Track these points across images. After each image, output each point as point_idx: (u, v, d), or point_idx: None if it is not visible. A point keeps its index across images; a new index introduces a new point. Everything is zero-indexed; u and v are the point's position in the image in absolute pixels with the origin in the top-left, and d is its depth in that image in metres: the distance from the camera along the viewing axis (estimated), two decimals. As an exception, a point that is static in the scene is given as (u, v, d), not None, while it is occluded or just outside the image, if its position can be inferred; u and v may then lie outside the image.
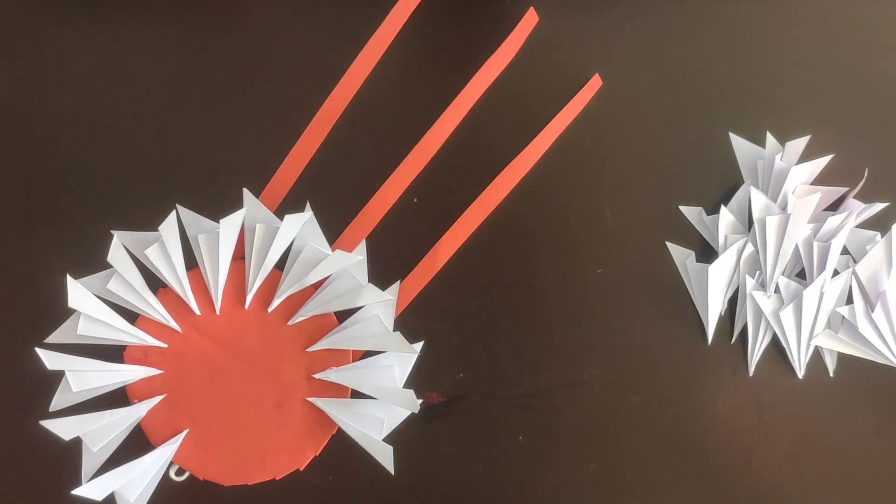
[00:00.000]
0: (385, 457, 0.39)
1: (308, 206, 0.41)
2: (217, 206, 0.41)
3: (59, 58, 0.44)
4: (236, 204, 0.40)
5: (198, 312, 0.40)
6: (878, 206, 0.42)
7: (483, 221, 0.42)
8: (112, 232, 0.39)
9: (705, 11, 0.45)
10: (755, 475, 0.41)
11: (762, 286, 0.41)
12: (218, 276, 0.40)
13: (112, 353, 0.39)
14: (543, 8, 0.44)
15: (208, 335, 0.40)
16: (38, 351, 0.38)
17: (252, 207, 0.40)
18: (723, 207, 0.42)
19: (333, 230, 0.41)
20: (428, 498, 0.40)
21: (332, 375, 0.40)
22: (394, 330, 0.40)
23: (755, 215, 0.41)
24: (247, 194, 0.40)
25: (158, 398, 0.39)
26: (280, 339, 0.40)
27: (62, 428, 0.38)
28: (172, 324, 0.40)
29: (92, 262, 0.40)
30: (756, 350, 0.42)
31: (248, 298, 0.40)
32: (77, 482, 0.38)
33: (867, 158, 0.43)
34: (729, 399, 0.42)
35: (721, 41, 0.44)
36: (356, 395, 0.40)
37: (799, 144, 0.43)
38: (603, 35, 0.44)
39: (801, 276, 0.42)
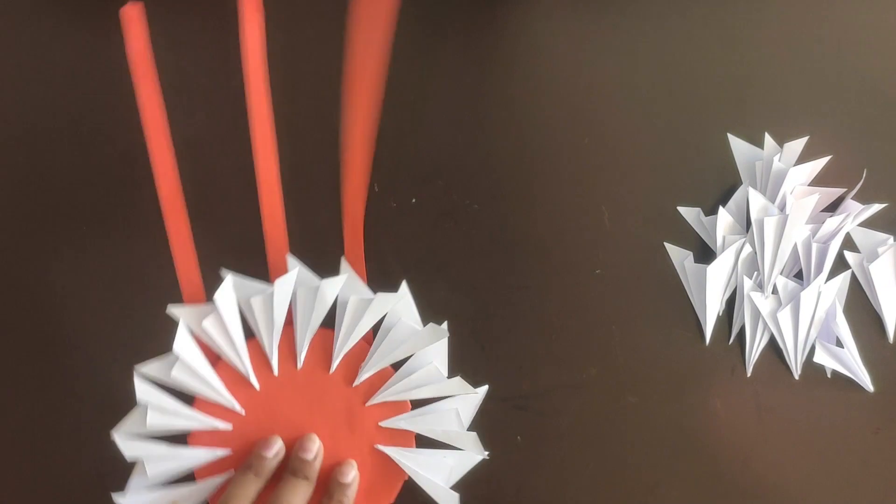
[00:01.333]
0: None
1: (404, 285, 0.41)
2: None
3: (58, 57, 0.44)
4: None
5: (257, 387, 0.41)
6: (877, 207, 0.42)
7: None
8: (169, 312, 0.40)
9: (703, 13, 0.45)
10: (754, 474, 0.41)
11: (760, 287, 0.41)
12: (273, 339, 0.40)
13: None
14: (544, 8, 0.44)
15: (269, 406, 0.40)
16: (116, 439, 0.39)
17: (349, 278, 0.41)
18: (721, 209, 0.42)
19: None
20: (426, 498, 0.41)
21: (401, 422, 0.40)
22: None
23: (753, 216, 0.41)
24: (344, 264, 0.41)
25: (225, 475, 0.40)
26: (342, 398, 0.41)
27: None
28: (237, 406, 0.40)
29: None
30: (754, 351, 0.42)
31: (334, 364, 0.41)
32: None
33: (865, 159, 0.43)
34: (727, 399, 0.42)
35: (719, 43, 0.44)
36: (420, 442, 0.41)
37: (797, 145, 0.43)
38: (603, 36, 0.44)
39: (800, 276, 0.42)
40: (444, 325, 0.41)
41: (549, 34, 0.44)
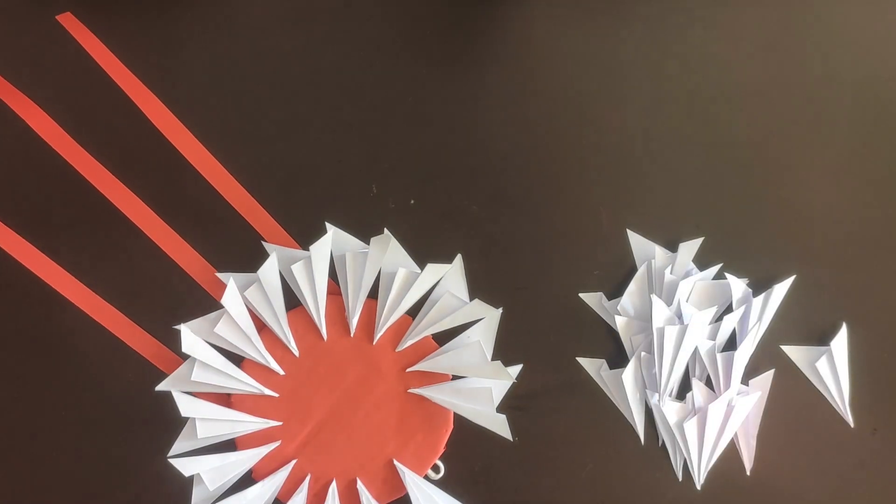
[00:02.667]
0: (500, 425, 0.40)
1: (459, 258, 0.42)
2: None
3: (55, 58, 0.44)
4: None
5: (296, 353, 0.41)
6: (785, 285, 0.42)
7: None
8: (217, 274, 0.41)
9: (700, 13, 0.45)
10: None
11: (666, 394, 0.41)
12: (319, 307, 0.41)
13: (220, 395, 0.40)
14: (545, 9, 0.44)
15: (314, 373, 0.41)
16: (176, 395, 0.39)
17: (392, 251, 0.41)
18: (617, 317, 0.41)
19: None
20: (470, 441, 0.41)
21: (429, 392, 0.40)
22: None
23: (655, 324, 0.41)
24: (386, 237, 0.41)
25: (274, 445, 0.40)
26: (385, 365, 0.41)
27: (185, 466, 0.39)
28: (280, 370, 0.40)
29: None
30: (676, 457, 0.41)
31: (378, 335, 0.41)
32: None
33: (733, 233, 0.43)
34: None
35: (719, 38, 0.44)
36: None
37: (693, 246, 0.42)
38: (603, 38, 0.44)
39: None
40: (500, 310, 0.41)
41: (548, 35, 0.44)
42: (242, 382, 0.40)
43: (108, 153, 0.42)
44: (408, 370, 0.41)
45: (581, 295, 0.42)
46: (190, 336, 0.40)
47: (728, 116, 0.44)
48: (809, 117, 0.44)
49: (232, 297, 0.40)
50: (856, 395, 0.42)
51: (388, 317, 0.41)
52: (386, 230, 0.42)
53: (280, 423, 0.40)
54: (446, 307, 0.41)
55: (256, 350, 0.40)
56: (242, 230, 0.42)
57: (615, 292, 0.42)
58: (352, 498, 0.40)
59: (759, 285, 0.42)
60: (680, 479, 0.41)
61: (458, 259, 0.42)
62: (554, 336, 0.42)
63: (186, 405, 0.39)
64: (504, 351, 0.42)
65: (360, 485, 0.40)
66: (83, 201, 0.42)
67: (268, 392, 0.40)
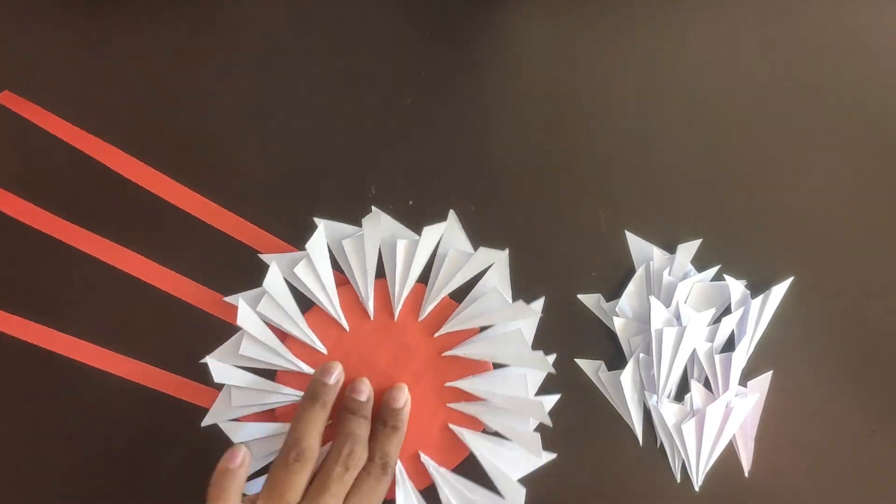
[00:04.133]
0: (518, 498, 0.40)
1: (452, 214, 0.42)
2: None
3: (53, 58, 0.44)
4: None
5: (346, 328, 0.41)
6: (783, 286, 0.42)
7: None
8: (260, 256, 0.41)
9: (697, 19, 0.45)
10: (751, 476, 0.41)
11: (663, 395, 0.41)
12: (368, 286, 0.41)
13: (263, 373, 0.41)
14: (541, 11, 0.44)
15: (353, 353, 0.41)
16: (209, 361, 0.40)
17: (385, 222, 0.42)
18: (615, 318, 0.42)
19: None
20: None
21: (466, 384, 0.40)
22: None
23: (654, 326, 0.41)
24: (378, 214, 0.42)
25: None
26: (423, 349, 0.41)
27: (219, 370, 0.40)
28: (320, 346, 0.41)
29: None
30: (675, 458, 0.41)
31: (397, 311, 0.41)
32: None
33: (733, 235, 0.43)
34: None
35: (711, 47, 0.45)
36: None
37: (691, 247, 0.42)
38: (599, 39, 0.45)
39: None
40: (541, 301, 0.42)
41: (546, 38, 0.44)
42: (289, 361, 0.40)
43: (86, 216, 0.42)
44: (442, 354, 0.41)
45: (579, 296, 0.42)
46: (246, 309, 0.40)
47: (726, 119, 0.44)
48: (807, 120, 0.44)
49: (246, 316, 0.40)
50: (854, 398, 0.42)
51: (402, 290, 0.41)
52: (374, 207, 0.42)
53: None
54: (455, 262, 0.41)
55: (300, 330, 0.40)
56: (236, 250, 0.42)
57: (614, 293, 0.42)
58: (419, 470, 0.40)
59: (757, 286, 0.42)
60: (678, 480, 0.41)
61: (451, 214, 0.42)
62: (553, 337, 0.42)
63: (221, 372, 0.40)
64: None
65: (424, 457, 0.40)
66: (83, 272, 0.42)
67: (311, 371, 0.40)
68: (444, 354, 0.41)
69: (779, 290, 0.42)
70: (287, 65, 0.44)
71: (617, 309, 0.42)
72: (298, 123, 0.43)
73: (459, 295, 0.42)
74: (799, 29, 0.45)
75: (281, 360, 0.40)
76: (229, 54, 0.44)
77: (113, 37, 0.44)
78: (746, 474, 0.41)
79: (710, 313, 0.41)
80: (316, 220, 0.42)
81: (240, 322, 0.40)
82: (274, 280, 0.41)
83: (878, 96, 0.44)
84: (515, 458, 0.40)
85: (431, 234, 0.42)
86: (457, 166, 0.43)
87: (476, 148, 0.43)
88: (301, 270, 0.41)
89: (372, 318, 0.41)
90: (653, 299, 0.41)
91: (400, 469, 0.40)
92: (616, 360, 0.42)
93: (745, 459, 0.41)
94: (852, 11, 0.45)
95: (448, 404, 0.41)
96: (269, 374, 0.41)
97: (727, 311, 0.42)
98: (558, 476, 0.41)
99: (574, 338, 0.42)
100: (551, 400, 0.41)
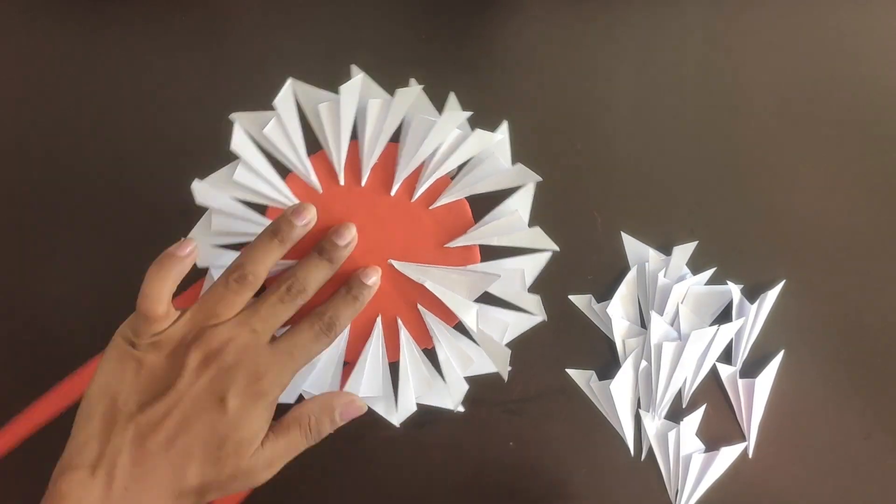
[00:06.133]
0: (502, 360, 0.40)
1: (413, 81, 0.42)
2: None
3: (51, 59, 0.44)
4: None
5: (319, 190, 0.41)
6: (773, 292, 0.42)
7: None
8: (231, 118, 0.41)
9: (694, 14, 0.45)
10: (748, 479, 0.41)
11: (655, 406, 0.41)
12: (341, 149, 0.40)
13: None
14: (537, 13, 0.44)
15: (337, 212, 0.40)
16: (195, 185, 0.40)
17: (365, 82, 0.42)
18: (609, 320, 0.41)
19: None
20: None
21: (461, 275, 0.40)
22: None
23: (653, 340, 0.41)
24: (354, 69, 0.42)
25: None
26: (416, 224, 0.41)
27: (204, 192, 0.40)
28: (317, 185, 0.40)
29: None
30: (667, 471, 0.41)
31: (364, 177, 0.41)
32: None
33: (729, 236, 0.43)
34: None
35: (711, 43, 0.44)
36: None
37: (687, 249, 0.42)
38: (596, 41, 0.44)
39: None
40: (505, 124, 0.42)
41: (543, 41, 0.44)
42: (282, 195, 0.40)
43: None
44: (445, 245, 0.41)
45: (571, 297, 0.42)
46: (241, 133, 0.40)
47: (723, 121, 0.44)
48: (803, 124, 0.44)
49: (242, 142, 0.40)
50: (850, 402, 0.42)
51: (405, 166, 0.41)
52: (354, 67, 0.42)
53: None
54: (486, 170, 0.41)
55: (278, 191, 0.40)
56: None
57: (609, 295, 0.42)
58: (393, 337, 0.41)
59: (753, 288, 0.42)
60: (670, 492, 0.41)
61: (451, 96, 0.43)
62: (548, 340, 0.42)
63: (204, 194, 0.40)
64: (498, 355, 0.42)
65: (424, 312, 0.41)
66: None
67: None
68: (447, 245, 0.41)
69: (772, 294, 0.42)
70: (283, 67, 0.44)
71: (608, 310, 0.42)
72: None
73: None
74: (794, 33, 0.44)
75: (275, 193, 0.40)
76: (224, 55, 0.44)
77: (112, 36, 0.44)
78: (750, 455, 0.41)
79: (713, 331, 0.41)
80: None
81: (234, 147, 0.39)
82: (241, 140, 0.40)
83: (873, 100, 0.44)
84: (505, 320, 0.41)
85: (404, 96, 0.41)
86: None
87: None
88: (270, 130, 0.40)
89: (364, 185, 0.41)
90: (653, 314, 0.41)
91: (403, 331, 0.40)
92: (610, 361, 0.42)
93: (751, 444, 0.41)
94: (849, 15, 0.45)
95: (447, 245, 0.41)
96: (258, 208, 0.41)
97: (722, 312, 0.42)
98: (550, 482, 0.41)
99: (569, 340, 0.42)
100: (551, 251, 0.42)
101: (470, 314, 0.40)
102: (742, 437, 0.41)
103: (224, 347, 0.34)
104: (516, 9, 0.44)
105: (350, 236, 0.39)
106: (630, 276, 0.42)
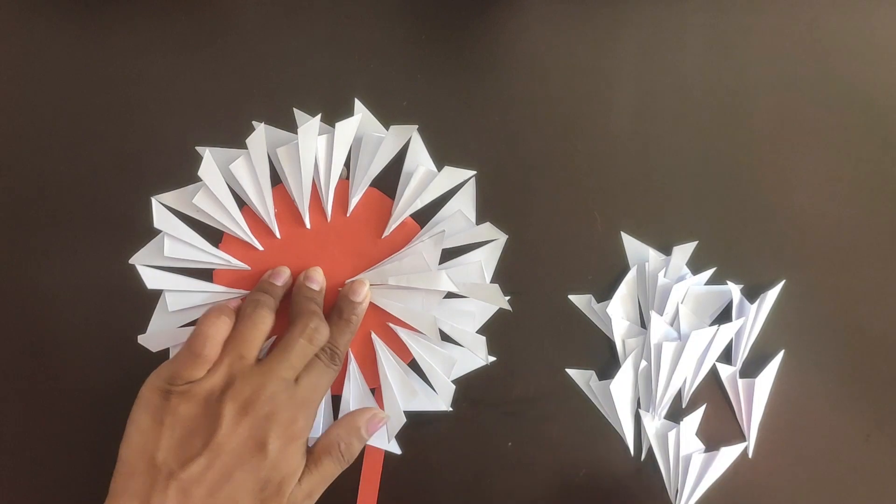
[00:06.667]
0: (479, 346, 0.41)
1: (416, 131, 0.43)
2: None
3: (50, 59, 0.44)
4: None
5: (278, 235, 0.41)
6: (773, 293, 0.42)
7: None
8: (197, 148, 0.41)
9: (695, 16, 0.45)
10: (748, 479, 0.41)
11: (654, 406, 0.41)
12: (302, 189, 0.41)
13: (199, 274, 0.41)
14: (538, 13, 0.44)
15: (290, 253, 0.41)
16: (139, 268, 0.40)
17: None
18: (609, 320, 0.42)
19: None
20: None
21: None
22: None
23: (653, 340, 0.41)
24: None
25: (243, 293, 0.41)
26: (367, 250, 0.41)
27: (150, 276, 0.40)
28: (258, 245, 0.41)
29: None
30: (667, 471, 0.41)
31: (351, 207, 0.41)
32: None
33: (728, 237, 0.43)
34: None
35: (710, 47, 0.45)
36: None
37: (687, 249, 0.42)
38: (597, 41, 0.44)
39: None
40: (473, 175, 0.42)
41: (543, 41, 0.44)
42: (217, 258, 0.40)
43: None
44: (382, 237, 0.41)
45: (570, 297, 0.42)
46: (162, 210, 0.40)
47: (723, 122, 0.44)
48: (803, 124, 0.44)
49: (163, 217, 0.40)
50: (849, 402, 0.42)
51: (357, 191, 0.41)
52: (297, 111, 0.42)
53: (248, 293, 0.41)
54: (421, 181, 0.41)
55: (237, 224, 0.41)
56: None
57: (608, 295, 0.42)
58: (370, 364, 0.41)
59: (753, 289, 0.42)
60: (670, 492, 0.41)
61: (415, 132, 0.42)
62: (548, 341, 0.42)
63: (152, 278, 0.40)
64: (499, 355, 0.42)
65: (376, 342, 0.41)
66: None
67: (242, 266, 0.41)
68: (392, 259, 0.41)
69: (772, 294, 0.42)
70: (281, 66, 0.44)
71: (608, 310, 0.42)
72: (293, 126, 0.43)
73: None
74: (794, 32, 0.44)
75: (211, 258, 0.40)
76: (223, 55, 0.44)
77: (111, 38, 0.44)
78: (750, 455, 0.41)
79: (713, 331, 0.41)
80: (255, 123, 0.42)
81: (157, 224, 0.40)
82: (258, 145, 0.41)
83: (874, 101, 0.44)
84: (453, 357, 0.41)
85: (396, 134, 0.42)
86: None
87: (473, 150, 0.43)
88: (237, 167, 0.40)
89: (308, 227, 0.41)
90: (653, 314, 0.41)
91: (352, 360, 0.41)
92: (610, 361, 0.42)
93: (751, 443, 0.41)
94: (849, 15, 0.45)
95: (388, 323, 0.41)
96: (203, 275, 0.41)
97: (722, 312, 0.42)
98: (551, 482, 0.41)
99: (569, 340, 0.42)
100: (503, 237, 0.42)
101: (442, 283, 0.40)
102: (742, 437, 0.41)
103: (258, 395, 0.35)
104: (517, 9, 0.44)
105: (320, 279, 0.40)
106: (630, 276, 0.42)
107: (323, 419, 0.41)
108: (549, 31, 0.44)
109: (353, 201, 0.41)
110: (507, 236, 0.42)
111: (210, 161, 0.40)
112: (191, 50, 0.44)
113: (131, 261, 0.40)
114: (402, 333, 0.41)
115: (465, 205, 0.42)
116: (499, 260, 0.42)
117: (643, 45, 0.44)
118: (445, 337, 0.41)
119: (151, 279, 0.40)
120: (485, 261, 0.41)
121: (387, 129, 0.43)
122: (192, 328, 0.37)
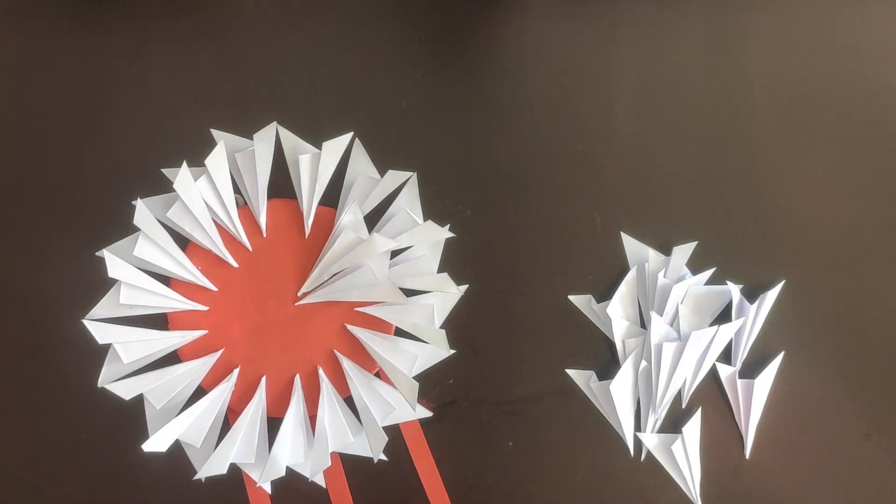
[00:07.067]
0: (410, 392, 0.40)
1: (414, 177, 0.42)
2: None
3: (49, 59, 0.44)
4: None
5: (234, 265, 0.41)
6: (773, 291, 0.42)
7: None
8: (134, 203, 0.40)
9: (694, 14, 0.45)
10: (748, 479, 0.41)
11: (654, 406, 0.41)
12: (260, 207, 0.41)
13: (156, 319, 0.41)
14: (539, 14, 0.44)
15: (242, 287, 0.41)
16: (87, 324, 0.39)
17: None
18: (609, 320, 0.41)
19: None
20: None
21: (376, 311, 0.41)
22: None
23: (653, 340, 0.41)
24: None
25: (216, 355, 0.40)
26: (301, 256, 0.41)
27: (124, 389, 0.39)
28: (206, 283, 0.41)
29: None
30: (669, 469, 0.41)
31: (307, 229, 0.41)
32: (142, 438, 0.38)
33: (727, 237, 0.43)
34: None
35: (708, 46, 0.45)
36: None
37: (686, 249, 0.42)
38: (597, 42, 0.44)
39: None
40: (413, 175, 0.42)
41: (543, 42, 0.44)
42: (174, 300, 0.40)
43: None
44: (357, 309, 0.41)
45: (570, 297, 0.42)
46: (115, 260, 0.39)
47: (722, 122, 0.44)
48: (803, 124, 0.44)
49: (117, 266, 0.39)
50: (849, 402, 0.42)
51: (309, 210, 0.41)
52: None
53: (206, 332, 0.40)
54: (363, 186, 0.41)
55: (182, 267, 0.40)
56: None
57: (608, 295, 0.42)
58: (313, 391, 0.40)
59: (753, 289, 0.42)
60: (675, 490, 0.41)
61: (356, 139, 0.42)
62: (548, 341, 0.42)
63: (102, 332, 0.39)
64: (498, 355, 0.42)
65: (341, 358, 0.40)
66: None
67: (198, 307, 0.40)
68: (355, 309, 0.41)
69: (771, 295, 0.42)
70: (282, 67, 0.44)
71: (608, 310, 0.42)
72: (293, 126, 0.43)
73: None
74: (794, 32, 0.44)
75: (167, 302, 0.40)
76: (224, 56, 0.44)
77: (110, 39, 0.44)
78: (747, 456, 0.41)
79: (712, 331, 0.41)
80: (214, 132, 0.42)
81: (111, 273, 0.39)
82: (217, 160, 0.40)
83: (873, 100, 0.44)
84: (413, 353, 0.41)
85: (333, 147, 0.41)
86: (452, 169, 0.43)
87: (472, 151, 0.43)
88: (201, 185, 0.40)
89: (265, 236, 0.41)
90: (653, 314, 0.41)
91: (324, 379, 0.40)
92: (610, 361, 0.42)
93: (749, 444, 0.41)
94: (849, 15, 0.45)
95: (358, 308, 0.41)
96: (156, 321, 0.41)
97: (722, 313, 0.42)
98: (551, 482, 0.41)
99: (569, 341, 0.42)
100: (462, 289, 0.42)
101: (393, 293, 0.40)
102: (740, 437, 0.42)
103: None
104: (517, 9, 0.45)
105: None
106: (630, 277, 0.42)
107: (258, 441, 0.39)
108: (548, 30, 0.44)
109: (308, 222, 0.41)
110: (451, 234, 0.41)
111: (143, 208, 0.40)
112: (192, 48, 0.44)
113: (84, 319, 0.39)
114: (347, 365, 0.41)
115: (409, 204, 0.42)
116: (497, 260, 0.42)
117: (643, 45, 0.44)
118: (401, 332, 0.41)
119: (102, 334, 0.39)
120: (438, 306, 0.41)
121: (387, 130, 0.42)
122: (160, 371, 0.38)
